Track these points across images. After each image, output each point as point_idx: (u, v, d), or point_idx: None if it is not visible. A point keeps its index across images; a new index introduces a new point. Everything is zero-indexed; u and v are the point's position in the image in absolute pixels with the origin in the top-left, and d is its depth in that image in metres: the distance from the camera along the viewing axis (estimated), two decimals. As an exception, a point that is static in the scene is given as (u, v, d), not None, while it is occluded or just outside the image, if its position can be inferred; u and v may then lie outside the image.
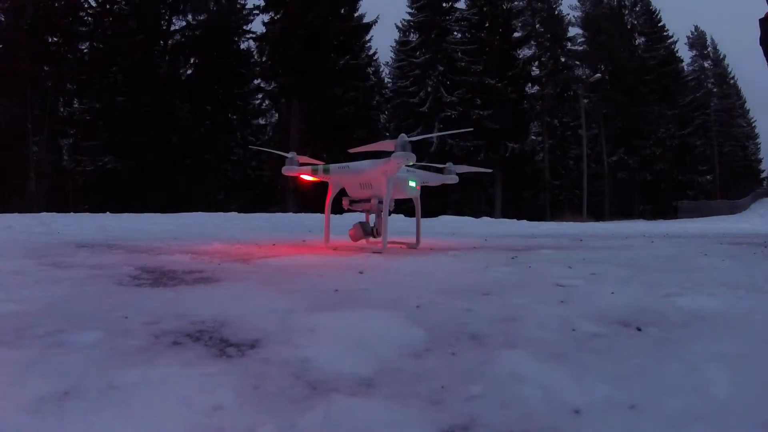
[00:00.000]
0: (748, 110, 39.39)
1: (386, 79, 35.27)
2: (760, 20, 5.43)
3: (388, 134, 33.78)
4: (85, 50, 24.70)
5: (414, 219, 2.98)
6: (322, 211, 2.87)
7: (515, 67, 29.51)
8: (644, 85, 29.81)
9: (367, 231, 2.52)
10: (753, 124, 39.93)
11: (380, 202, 2.41)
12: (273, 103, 28.21)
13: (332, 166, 2.43)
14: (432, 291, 1.71)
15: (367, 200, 2.47)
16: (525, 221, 17.53)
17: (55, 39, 24.23)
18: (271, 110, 29.10)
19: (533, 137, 32.46)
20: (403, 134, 2.34)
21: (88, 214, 9.20)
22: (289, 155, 2.39)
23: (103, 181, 22.21)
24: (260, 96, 28.29)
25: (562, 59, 32.31)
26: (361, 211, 2.59)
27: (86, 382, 0.89)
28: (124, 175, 21.80)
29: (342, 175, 2.48)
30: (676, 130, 31.50)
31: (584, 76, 31.31)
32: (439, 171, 2.98)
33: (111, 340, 1.13)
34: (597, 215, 29.25)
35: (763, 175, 39.45)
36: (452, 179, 2.80)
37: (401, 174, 2.52)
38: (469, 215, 29.92)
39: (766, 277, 1.98)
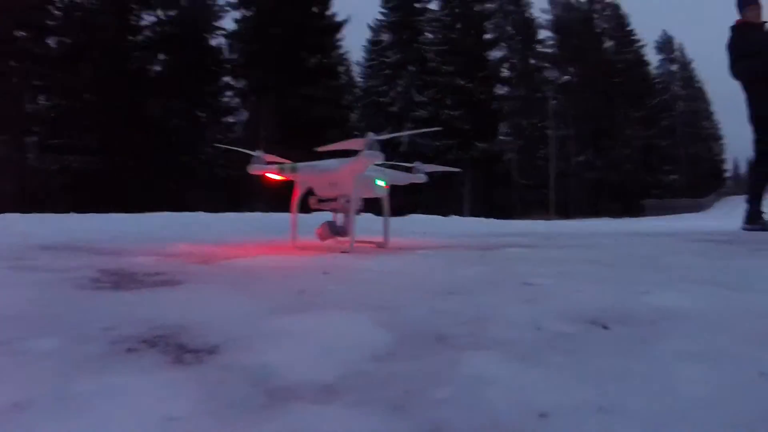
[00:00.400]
0: (713, 113, 40.95)
1: (357, 79, 35.25)
2: (731, 27, 5.62)
3: (357, 133, 33.81)
4: (53, 45, 23.86)
5: (382, 218, 2.95)
6: (290, 211, 2.82)
7: (486, 68, 29.89)
8: (613, 87, 30.63)
9: (334, 230, 2.49)
10: (718, 126, 41.51)
11: (348, 201, 2.38)
12: (243, 100, 27.83)
13: (299, 165, 2.39)
14: (399, 291, 1.68)
15: (335, 199, 2.44)
16: (494, 220, 17.75)
17: (22, 33, 23.30)
18: (240, 108, 28.70)
19: (502, 137, 32.96)
20: (371, 133, 2.32)
21: (53, 214, 8.91)
22: (255, 153, 2.34)
23: (69, 181, 21.49)
24: (230, 94, 27.90)
25: (532, 61, 32.88)
26: (329, 211, 2.55)
27: (38, 393, 0.85)
28: (91, 174, 21.14)
29: (309, 174, 2.44)
30: (643, 131, 32.47)
31: (553, 78, 31.96)
32: (408, 170, 2.96)
33: (67, 347, 1.09)
34: (565, 213, 29.89)
35: (727, 174, 41.11)
36: (421, 178, 2.79)
37: (369, 173, 2.50)
38: (438, 214, 30.17)
39: (735, 274, 2.01)
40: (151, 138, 22.64)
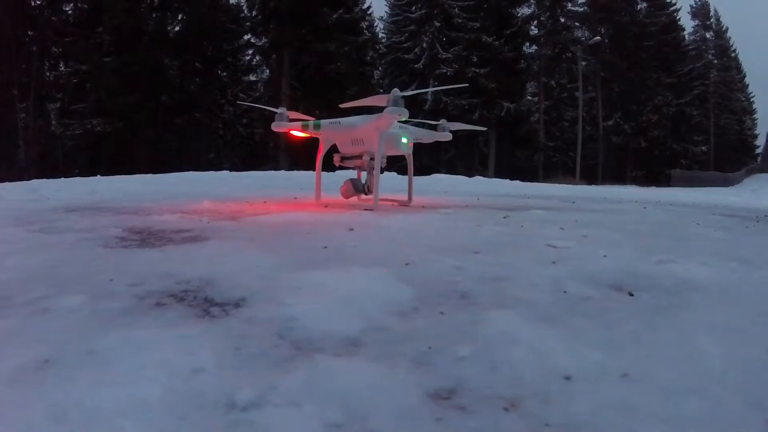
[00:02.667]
0: (747, 85, 38.97)
1: (380, 34, 34.36)
2: None
3: (381, 90, 33.18)
4: (69, 11, 23.66)
5: (406, 177, 2.92)
6: (314, 169, 2.80)
7: (513, 25, 28.77)
8: (644, 51, 29.23)
9: (358, 188, 2.46)
10: (751, 99, 39.64)
11: (372, 159, 2.33)
12: (264, 58, 27.46)
13: (323, 122, 2.33)
14: (422, 249, 1.67)
15: (359, 157, 2.40)
16: (518, 181, 17.49)
17: (37, 2, 23.15)
18: (262, 66, 28.35)
19: (529, 97, 32.07)
20: (395, 89, 2.24)
21: (78, 178, 9.06)
22: (278, 111, 2.30)
23: (92, 145, 21.66)
24: (251, 52, 27.50)
25: (562, 20, 31.48)
26: (352, 168, 2.51)
27: (66, 349, 0.87)
28: (113, 137, 21.28)
29: (333, 131, 2.39)
30: (673, 99, 31.15)
31: (583, 38, 30.60)
32: (433, 128, 2.88)
33: (94, 304, 1.10)
34: (590, 178, 29.29)
35: (758, 150, 39.53)
36: (446, 137, 2.71)
37: (393, 130, 2.43)
38: (462, 174, 29.84)
39: (759, 251, 1.95)
40: (173, 99, 22.59)
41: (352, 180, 2.47)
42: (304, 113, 2.69)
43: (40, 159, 21.66)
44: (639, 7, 32.87)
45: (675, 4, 33.13)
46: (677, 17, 33.41)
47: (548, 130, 32.19)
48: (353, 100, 2.45)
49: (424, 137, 2.75)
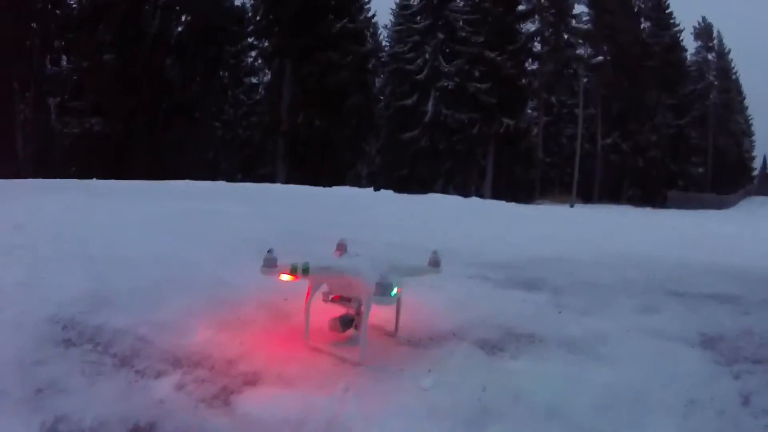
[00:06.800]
0: (747, 107, 39.26)
1: (384, 43, 34.37)
2: None
3: (383, 98, 33.10)
4: (74, 5, 23.56)
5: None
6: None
7: (517, 41, 28.83)
8: (645, 70, 29.38)
9: (346, 324, 2.36)
10: (750, 122, 39.96)
11: (360, 314, 2.25)
12: (265, 62, 27.42)
13: (312, 266, 2.24)
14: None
15: (348, 300, 2.31)
16: (513, 204, 17.54)
17: None
18: (264, 69, 28.31)
19: (529, 111, 32.18)
20: (383, 276, 2.08)
21: (76, 180, 8.86)
22: (267, 255, 2.22)
23: (90, 145, 21.47)
24: (253, 54, 27.48)
25: (565, 36, 31.61)
26: (342, 306, 2.41)
27: None
28: (111, 138, 21.13)
29: (322, 277, 2.31)
30: (672, 119, 31.32)
31: (586, 56, 30.73)
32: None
33: None
34: (586, 197, 29.37)
35: (755, 172, 39.82)
36: (437, 271, 2.58)
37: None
38: (459, 184, 29.84)
39: None
40: (173, 100, 22.49)
41: (340, 318, 2.37)
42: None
43: (37, 156, 21.49)
44: (642, 26, 33.08)
45: (678, 25, 33.33)
46: (680, 38, 33.64)
47: (546, 146, 32.27)
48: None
49: (417, 273, 2.64)
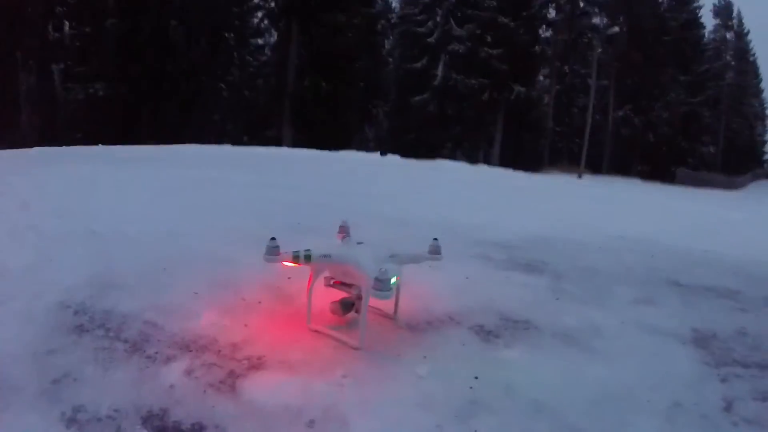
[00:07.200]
0: (762, 90, 38.27)
1: (393, 4, 33.44)
2: None
3: (391, 59, 32.47)
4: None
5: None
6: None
7: (531, 7, 27.97)
8: (662, 45, 28.51)
9: (347, 307, 2.43)
10: (765, 106, 39.08)
11: (360, 298, 2.31)
12: (272, 23, 26.80)
13: (314, 254, 2.28)
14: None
15: (349, 286, 2.38)
16: (521, 174, 17.41)
17: None
18: (270, 30, 27.69)
19: (540, 78, 31.51)
20: (381, 269, 2.14)
21: (82, 147, 8.74)
22: (269, 243, 2.26)
23: (95, 110, 21.18)
24: (259, 15, 26.82)
25: (581, 4, 30.62)
26: (342, 291, 2.47)
27: None
28: (117, 103, 20.85)
29: (324, 264, 2.36)
30: (686, 97, 30.64)
31: (601, 26, 29.84)
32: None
33: None
34: (595, 168, 29.10)
35: (766, 157, 39.26)
36: (438, 258, 2.62)
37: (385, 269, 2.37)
38: (468, 150, 29.55)
39: None
40: (178, 62, 22.07)
41: (341, 300, 2.44)
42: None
43: (43, 124, 21.32)
44: (661, 0, 32.01)
45: (698, 1, 32.22)
46: (699, 14, 32.57)
47: (557, 116, 31.77)
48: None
49: (417, 260, 2.67)
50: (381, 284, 2.04)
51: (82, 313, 2.24)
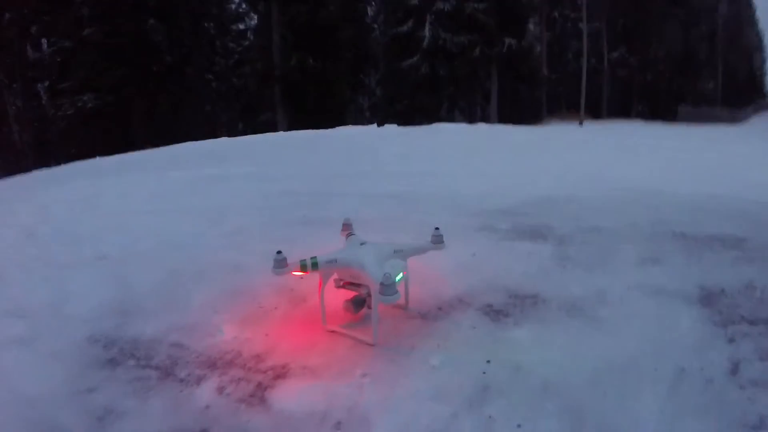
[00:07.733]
0: (758, 20, 36.82)
1: (376, -34, 32.51)
2: None
3: (376, 26, 31.85)
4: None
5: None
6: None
7: (514, -47, 27.07)
8: (652, -21, 27.59)
9: (359, 304, 2.51)
10: (761, 36, 37.67)
11: (369, 296, 2.38)
12: (251, 5, 26.23)
13: (320, 260, 2.35)
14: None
15: (358, 285, 2.46)
16: (521, 129, 17.13)
17: None
18: (250, 13, 27.14)
19: (531, 27, 30.73)
20: (386, 274, 2.21)
21: (78, 162, 8.69)
22: (276, 256, 2.33)
23: (86, 122, 21.03)
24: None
25: (566, -56, 29.61)
26: (351, 291, 2.55)
27: None
28: (106, 112, 20.68)
29: (331, 269, 2.44)
30: (681, 33, 29.79)
31: (588, -35, 28.87)
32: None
33: None
34: (595, 113, 28.71)
35: (767, 88, 38.13)
36: (441, 247, 2.67)
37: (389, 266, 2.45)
38: (464, 109, 29.17)
39: None
40: (162, 61, 21.72)
41: (353, 299, 2.52)
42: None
43: (36, 143, 21.24)
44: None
45: (687, -73, 30.87)
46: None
47: (551, 63, 31.16)
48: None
49: (420, 251, 2.72)
50: (386, 289, 2.11)
51: (111, 346, 2.29)
